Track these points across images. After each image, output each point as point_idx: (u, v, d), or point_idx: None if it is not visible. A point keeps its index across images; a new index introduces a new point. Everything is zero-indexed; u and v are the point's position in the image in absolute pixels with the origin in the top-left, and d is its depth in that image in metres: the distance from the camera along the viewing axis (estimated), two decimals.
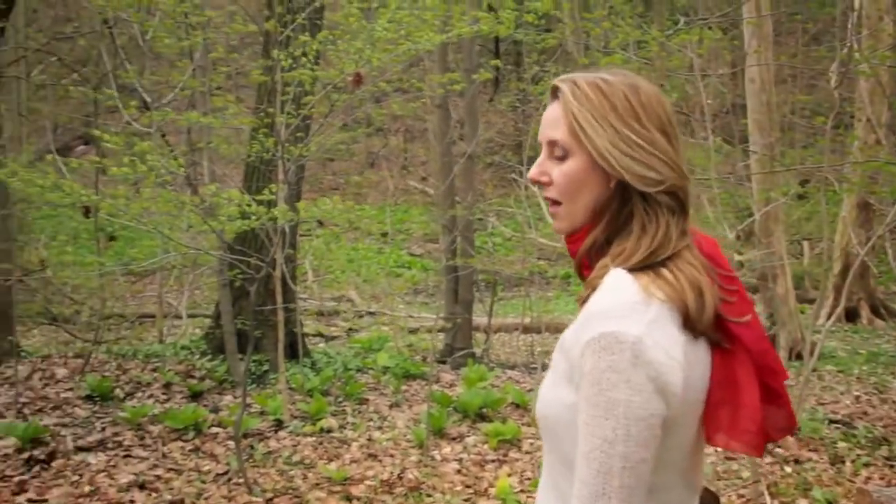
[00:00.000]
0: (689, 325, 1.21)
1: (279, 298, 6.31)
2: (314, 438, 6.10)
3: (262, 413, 6.62)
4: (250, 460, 5.59)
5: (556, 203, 1.35)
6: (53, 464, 5.56)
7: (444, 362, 9.11)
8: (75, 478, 5.37)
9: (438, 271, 13.38)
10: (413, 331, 11.34)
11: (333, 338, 11.54)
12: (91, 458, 5.71)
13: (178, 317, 11.27)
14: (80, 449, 5.88)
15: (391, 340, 10.13)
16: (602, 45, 6.88)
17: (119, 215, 5.92)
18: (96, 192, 6.38)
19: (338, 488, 5.20)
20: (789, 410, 1.33)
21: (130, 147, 5.57)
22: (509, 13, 5.77)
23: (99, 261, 8.96)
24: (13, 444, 5.89)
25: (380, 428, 6.48)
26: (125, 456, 5.80)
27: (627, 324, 1.17)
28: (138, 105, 6.77)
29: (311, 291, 14.08)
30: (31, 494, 5.08)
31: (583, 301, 1.30)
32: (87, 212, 7.86)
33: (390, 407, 7.10)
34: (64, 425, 6.41)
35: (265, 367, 7.78)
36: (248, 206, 5.06)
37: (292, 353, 7.83)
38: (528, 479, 5.42)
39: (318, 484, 5.29)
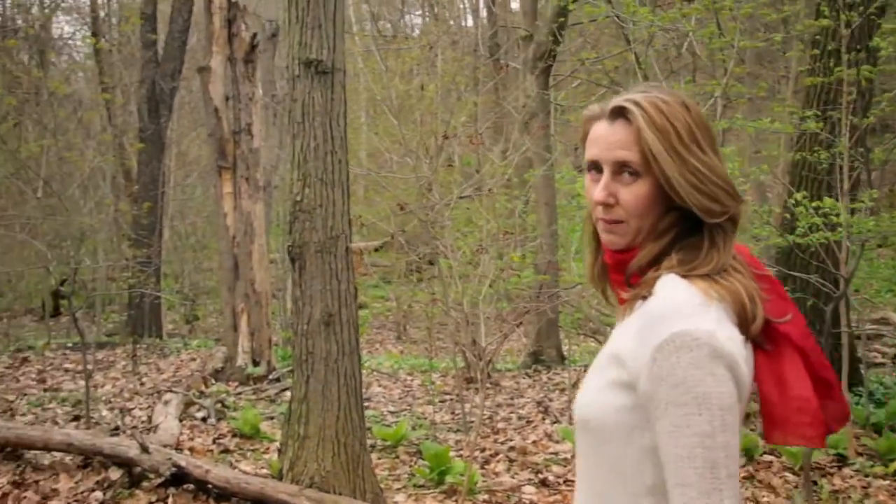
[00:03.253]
0: (744, 325, 1.26)
1: (844, 319, 5.67)
2: (887, 482, 5.35)
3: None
4: (815, 498, 5.07)
5: (619, 222, 1.37)
6: None
7: None
8: None
9: None
10: None
11: (876, 364, 10.31)
12: None
13: None
14: None
15: None
16: None
17: None
18: None
19: None
20: (843, 400, 1.36)
21: None
22: None
23: None
24: (569, 448, 6.17)
25: None
26: None
27: (697, 321, 1.21)
28: None
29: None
30: None
31: (626, 308, 1.37)
32: None
33: None
34: None
35: None
36: (820, 217, 4.57)
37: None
38: None
39: None
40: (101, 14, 20.06)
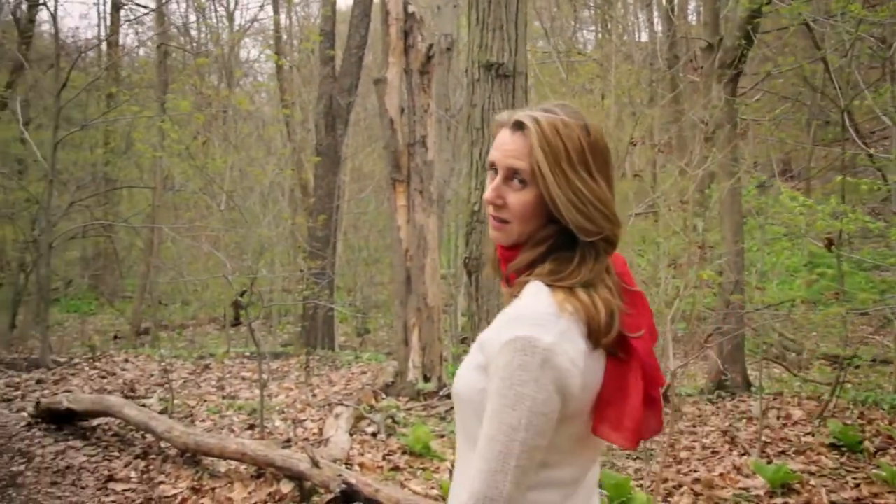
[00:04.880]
0: (593, 338, 1.39)
1: None
2: None
3: None
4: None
5: (505, 222, 1.52)
6: None
7: None
8: None
9: None
10: None
11: None
12: None
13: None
14: None
15: None
16: None
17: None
18: None
19: None
20: (660, 415, 1.52)
21: None
22: None
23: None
24: (761, 484, 5.60)
25: None
26: None
27: (542, 331, 1.36)
28: None
29: None
30: None
31: (507, 302, 1.51)
32: (829, 244, 7.27)
33: None
34: (811, 473, 5.91)
35: None
36: None
37: None
38: None
39: None
40: (284, 37, 20.89)
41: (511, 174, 1.50)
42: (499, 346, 1.38)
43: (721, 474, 6.08)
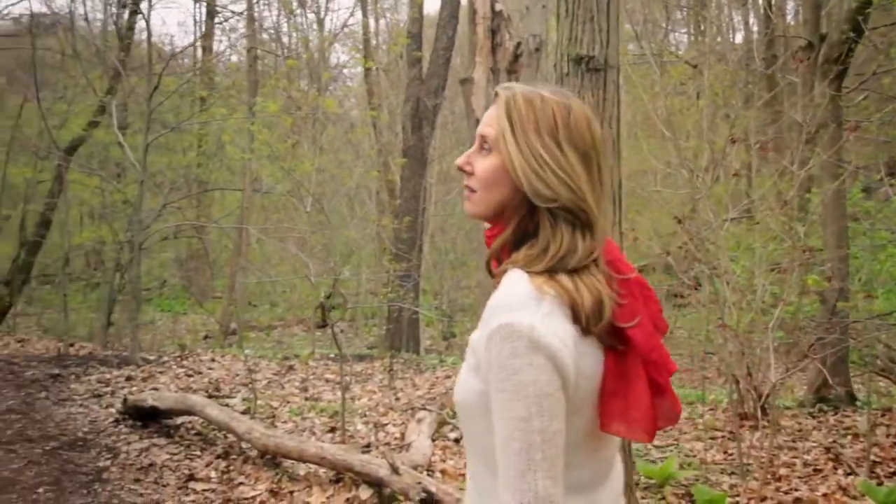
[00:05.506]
0: (579, 320, 1.31)
1: None
2: None
3: None
4: None
5: (472, 191, 1.48)
6: None
7: None
8: None
9: None
10: None
11: None
12: None
13: None
14: None
15: None
16: None
17: None
18: None
19: None
20: (674, 401, 1.44)
21: None
22: None
23: None
24: None
25: None
26: None
27: (521, 315, 1.28)
28: None
29: None
30: None
31: None
32: None
33: None
34: None
35: None
36: None
37: None
38: None
39: None
40: (373, 41, 21.02)
41: (482, 141, 1.48)
42: (485, 342, 1.32)
43: (825, 494, 5.70)
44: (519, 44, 9.04)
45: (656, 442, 7.30)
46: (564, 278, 1.33)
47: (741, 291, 7.81)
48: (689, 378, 11.44)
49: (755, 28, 19.44)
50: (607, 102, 4.69)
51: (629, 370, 1.36)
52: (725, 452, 6.98)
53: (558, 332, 1.28)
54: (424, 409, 7.29)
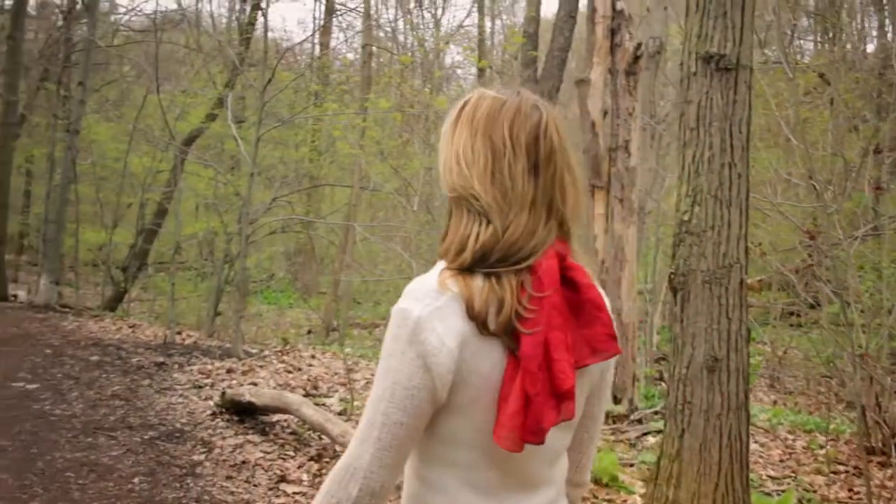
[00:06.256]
0: (475, 320, 1.32)
1: None
2: None
3: None
4: None
5: None
6: None
7: None
8: None
9: None
10: None
11: None
12: None
13: None
14: None
15: None
16: None
17: None
18: None
19: None
20: (555, 413, 1.36)
21: None
22: None
23: None
24: None
25: None
26: None
27: (417, 304, 1.33)
28: None
29: None
30: None
31: None
32: None
33: None
34: None
35: None
36: None
37: None
38: None
39: None
40: (488, 42, 20.84)
41: None
42: None
43: None
44: (640, 45, 8.65)
45: (770, 471, 6.82)
46: (474, 278, 1.34)
47: (870, 313, 7.25)
48: (805, 402, 10.79)
49: (889, 34, 18.33)
50: (738, 105, 4.31)
51: (515, 380, 1.34)
52: (850, 490, 6.45)
53: (442, 330, 1.31)
54: None
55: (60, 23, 18.32)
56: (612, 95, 8.36)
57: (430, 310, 1.32)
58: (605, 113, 8.35)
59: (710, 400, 4.08)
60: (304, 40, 18.96)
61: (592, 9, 8.64)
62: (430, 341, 1.31)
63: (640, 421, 7.81)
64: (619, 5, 8.55)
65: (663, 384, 10.97)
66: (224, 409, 6.91)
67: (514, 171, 1.39)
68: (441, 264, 1.40)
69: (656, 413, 7.82)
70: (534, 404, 1.33)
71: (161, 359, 9.36)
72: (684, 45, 4.52)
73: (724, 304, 4.12)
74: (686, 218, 4.27)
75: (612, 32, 8.53)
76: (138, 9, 28.76)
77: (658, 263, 13.50)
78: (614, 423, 7.78)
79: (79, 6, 16.51)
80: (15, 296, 15.71)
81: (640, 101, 8.94)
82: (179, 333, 11.55)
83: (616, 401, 8.02)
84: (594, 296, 1.42)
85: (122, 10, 22.08)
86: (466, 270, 1.35)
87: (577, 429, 1.55)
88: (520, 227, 1.37)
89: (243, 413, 6.78)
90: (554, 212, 1.41)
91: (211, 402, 7.27)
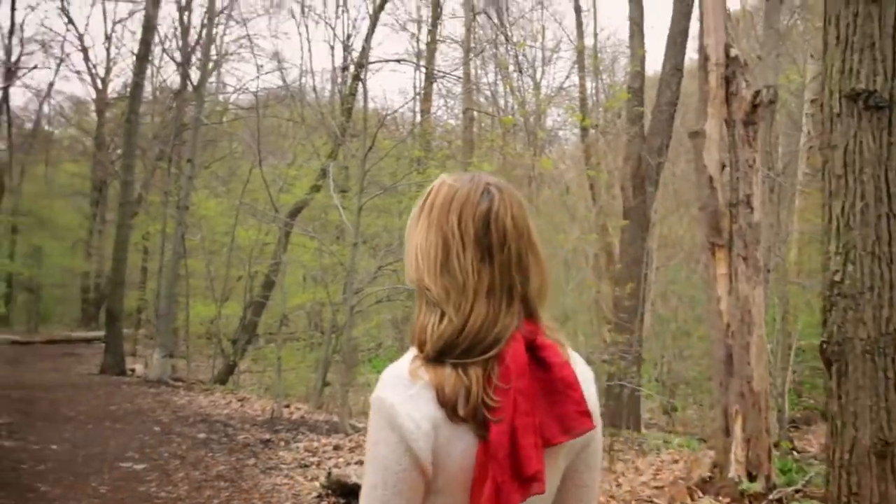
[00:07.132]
0: (445, 407, 1.32)
1: None
2: None
3: None
4: None
5: None
6: None
7: None
8: None
9: None
10: None
11: None
12: None
13: None
14: None
15: None
16: None
17: None
18: None
19: None
20: (507, 501, 1.36)
21: None
22: None
23: None
24: None
25: None
26: None
27: (391, 392, 1.35)
28: None
29: None
30: None
31: None
32: None
33: None
34: None
35: None
36: None
37: None
38: None
39: None
40: (589, 102, 20.54)
41: None
42: None
43: None
44: (757, 92, 8.11)
45: None
46: (443, 368, 1.34)
47: None
48: None
49: None
50: (893, 147, 3.79)
51: (486, 465, 1.35)
52: None
53: (414, 414, 1.33)
54: (651, 502, 6.42)
55: (173, 104, 19.00)
56: (731, 147, 7.82)
57: (404, 398, 1.34)
58: (724, 166, 7.83)
59: (881, 490, 3.49)
60: (403, 106, 19.12)
61: (704, 57, 8.18)
62: (407, 426, 1.32)
63: (780, 501, 7.08)
64: (732, 52, 8.08)
65: (795, 453, 10.14)
66: (330, 491, 6.58)
67: (464, 262, 1.39)
68: (413, 350, 1.40)
69: (797, 492, 7.09)
70: (502, 492, 1.35)
71: (267, 435, 9.16)
72: (824, 84, 4.04)
73: (892, 378, 3.55)
74: (837, 278, 3.74)
75: (727, 81, 8.03)
76: (245, 87, 29.72)
77: (786, 325, 12.65)
78: (750, 502, 7.07)
79: (189, 88, 17.06)
80: (132, 370, 16.01)
81: (760, 153, 8.38)
82: (287, 406, 11.38)
83: (751, 478, 7.32)
84: (566, 374, 1.41)
85: (230, 88, 22.79)
86: (436, 359, 1.35)
87: (570, 500, 1.52)
88: (479, 316, 1.37)
89: (350, 495, 6.43)
90: (516, 296, 1.40)
91: (317, 483, 6.96)
